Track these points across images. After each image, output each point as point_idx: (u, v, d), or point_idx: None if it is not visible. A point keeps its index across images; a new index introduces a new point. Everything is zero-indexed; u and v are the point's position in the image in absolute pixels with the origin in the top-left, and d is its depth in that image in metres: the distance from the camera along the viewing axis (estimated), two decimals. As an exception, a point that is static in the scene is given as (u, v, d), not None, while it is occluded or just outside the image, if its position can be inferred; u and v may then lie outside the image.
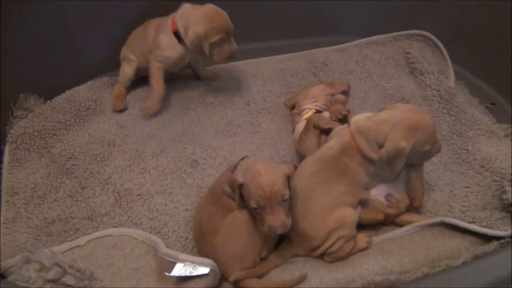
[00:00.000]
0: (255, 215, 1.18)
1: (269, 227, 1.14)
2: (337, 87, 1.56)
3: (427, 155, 1.29)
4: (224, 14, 1.56)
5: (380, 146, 1.21)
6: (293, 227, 1.20)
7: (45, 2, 1.66)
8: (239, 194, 1.16)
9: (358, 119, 1.28)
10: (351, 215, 1.25)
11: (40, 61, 1.70)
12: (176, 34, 1.59)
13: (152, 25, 1.67)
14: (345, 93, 1.56)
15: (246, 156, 1.29)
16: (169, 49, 1.61)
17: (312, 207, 1.25)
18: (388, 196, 1.32)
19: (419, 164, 1.32)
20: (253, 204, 1.13)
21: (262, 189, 1.12)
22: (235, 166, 1.24)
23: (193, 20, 1.54)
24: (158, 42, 1.62)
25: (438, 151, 1.30)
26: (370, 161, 1.24)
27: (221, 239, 1.20)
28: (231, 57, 1.60)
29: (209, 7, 1.57)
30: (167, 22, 1.62)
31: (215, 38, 1.53)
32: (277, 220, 1.13)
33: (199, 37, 1.53)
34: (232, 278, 1.19)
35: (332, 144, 1.30)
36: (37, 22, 1.68)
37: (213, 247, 1.21)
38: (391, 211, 1.32)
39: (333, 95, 1.54)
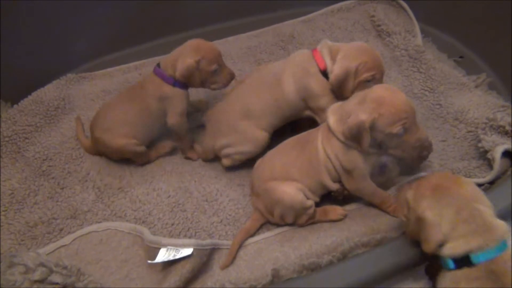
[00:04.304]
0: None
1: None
2: None
3: (403, 143, 1.14)
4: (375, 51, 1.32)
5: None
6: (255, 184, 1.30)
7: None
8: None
9: (340, 103, 1.21)
10: (289, 197, 1.21)
11: (1, 66, 1.64)
12: (324, 73, 1.33)
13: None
14: None
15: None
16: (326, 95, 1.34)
17: (264, 169, 1.29)
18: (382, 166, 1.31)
19: (397, 155, 1.20)
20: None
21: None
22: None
23: (344, 52, 1.30)
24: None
25: (423, 143, 1.16)
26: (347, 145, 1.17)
27: None
28: None
29: (358, 43, 1.35)
30: (312, 63, 1.34)
31: (366, 75, 1.27)
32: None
33: (348, 72, 1.27)
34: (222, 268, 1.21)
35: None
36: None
37: None
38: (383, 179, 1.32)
39: None
